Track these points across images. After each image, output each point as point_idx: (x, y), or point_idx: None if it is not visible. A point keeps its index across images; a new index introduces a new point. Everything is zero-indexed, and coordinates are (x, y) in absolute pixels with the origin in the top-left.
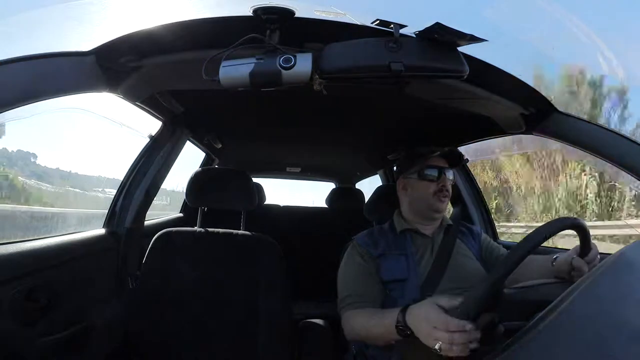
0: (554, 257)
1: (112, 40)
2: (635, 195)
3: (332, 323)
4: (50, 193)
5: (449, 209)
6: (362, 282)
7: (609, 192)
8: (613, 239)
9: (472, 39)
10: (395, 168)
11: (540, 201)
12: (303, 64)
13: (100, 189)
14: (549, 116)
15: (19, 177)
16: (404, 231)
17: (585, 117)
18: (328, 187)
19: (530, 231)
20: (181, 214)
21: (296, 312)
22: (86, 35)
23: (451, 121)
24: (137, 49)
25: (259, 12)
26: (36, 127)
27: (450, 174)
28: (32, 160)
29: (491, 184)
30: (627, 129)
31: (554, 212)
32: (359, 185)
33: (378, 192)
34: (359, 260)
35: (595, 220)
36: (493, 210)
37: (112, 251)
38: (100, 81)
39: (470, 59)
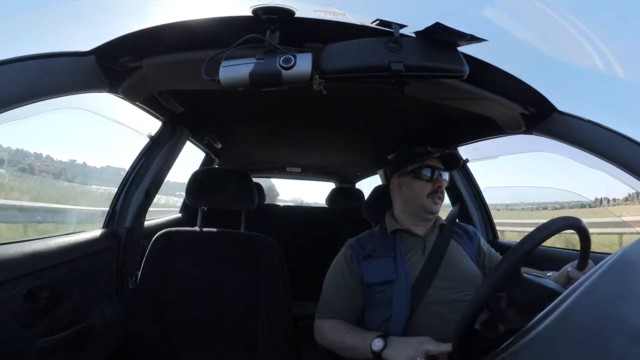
0: (547, 274)
1: (112, 40)
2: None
3: None
4: None
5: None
6: (338, 294)
7: None
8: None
9: (472, 39)
10: (389, 166)
11: None
12: (303, 64)
13: None
14: (549, 116)
15: None
16: (394, 231)
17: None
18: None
19: None
20: (181, 214)
21: (296, 312)
22: (86, 35)
23: (451, 121)
24: (137, 49)
25: (259, 12)
26: None
27: (445, 175)
28: None
29: None
30: None
31: None
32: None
33: (376, 192)
34: (342, 268)
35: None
36: None
37: (112, 251)
38: (100, 81)
39: (470, 59)
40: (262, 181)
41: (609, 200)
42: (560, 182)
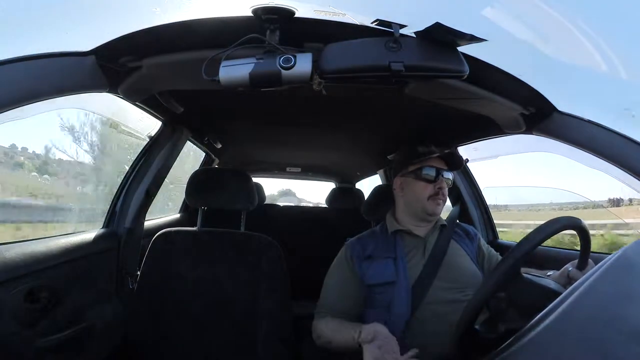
0: (548, 273)
1: (112, 40)
2: None
3: None
4: None
5: (449, 208)
6: (338, 294)
7: None
8: None
9: (472, 39)
10: (391, 166)
11: None
12: (303, 64)
13: None
14: (549, 116)
15: None
16: (395, 232)
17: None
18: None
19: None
20: (181, 214)
21: (296, 312)
22: (86, 35)
23: (451, 121)
24: (137, 49)
25: (259, 12)
26: None
27: (448, 175)
28: None
29: None
30: None
31: None
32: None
33: (376, 191)
34: (343, 268)
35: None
36: None
37: (112, 251)
38: (100, 81)
39: (470, 59)
40: (275, 184)
41: (622, 201)
42: (562, 183)
